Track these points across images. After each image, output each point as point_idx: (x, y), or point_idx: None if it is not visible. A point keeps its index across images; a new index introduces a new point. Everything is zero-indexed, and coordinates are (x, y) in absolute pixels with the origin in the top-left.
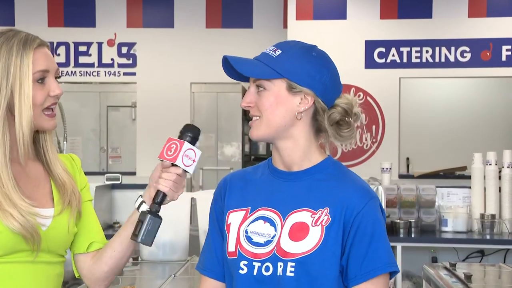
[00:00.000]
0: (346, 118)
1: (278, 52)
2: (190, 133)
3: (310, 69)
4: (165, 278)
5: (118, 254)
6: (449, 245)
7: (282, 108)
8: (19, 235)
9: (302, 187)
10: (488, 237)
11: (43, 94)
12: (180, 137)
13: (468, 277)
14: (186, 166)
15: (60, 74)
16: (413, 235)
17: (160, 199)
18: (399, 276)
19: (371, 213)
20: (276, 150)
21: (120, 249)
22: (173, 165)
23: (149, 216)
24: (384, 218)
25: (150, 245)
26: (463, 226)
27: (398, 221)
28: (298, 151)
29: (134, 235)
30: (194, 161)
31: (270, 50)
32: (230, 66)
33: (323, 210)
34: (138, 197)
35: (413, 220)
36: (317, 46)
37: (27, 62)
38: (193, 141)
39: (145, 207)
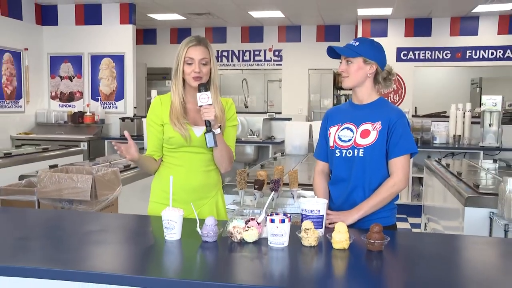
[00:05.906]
0: (389, 76)
1: (357, 43)
2: (201, 87)
3: (374, 51)
4: (297, 162)
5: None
6: (436, 150)
7: (360, 71)
8: (181, 136)
9: (367, 111)
10: (456, 145)
11: (189, 70)
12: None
13: (447, 164)
14: (204, 103)
15: (206, 62)
16: (418, 145)
17: (207, 123)
18: (410, 164)
19: (402, 122)
20: (355, 93)
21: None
22: (200, 106)
23: (205, 134)
24: (409, 127)
25: (215, 146)
26: (443, 140)
27: None
28: (366, 93)
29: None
30: (208, 97)
31: (353, 42)
32: (331, 51)
33: (378, 122)
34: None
35: (419, 137)
36: (374, 40)
37: (183, 51)
38: (205, 89)
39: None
